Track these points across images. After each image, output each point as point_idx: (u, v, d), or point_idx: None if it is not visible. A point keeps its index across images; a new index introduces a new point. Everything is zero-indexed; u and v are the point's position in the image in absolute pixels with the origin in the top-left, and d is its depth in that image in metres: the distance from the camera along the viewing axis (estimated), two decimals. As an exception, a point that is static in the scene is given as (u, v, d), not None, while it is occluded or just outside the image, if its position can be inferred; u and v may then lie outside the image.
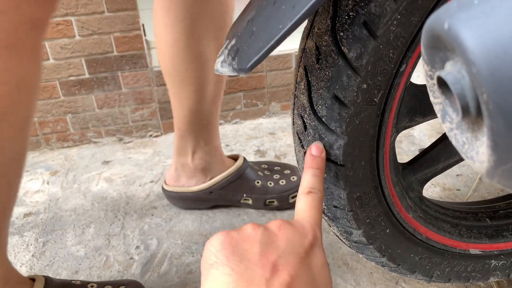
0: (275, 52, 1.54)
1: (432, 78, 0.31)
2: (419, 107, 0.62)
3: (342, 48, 0.48)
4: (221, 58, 0.50)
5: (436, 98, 0.32)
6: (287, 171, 1.18)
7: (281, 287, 0.36)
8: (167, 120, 1.53)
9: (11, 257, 1.05)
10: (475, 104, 0.26)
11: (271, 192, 1.12)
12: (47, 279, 0.80)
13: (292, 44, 1.53)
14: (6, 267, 0.73)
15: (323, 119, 0.53)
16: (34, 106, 0.62)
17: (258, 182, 1.13)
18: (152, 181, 1.30)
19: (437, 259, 0.72)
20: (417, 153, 1.38)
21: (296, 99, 0.57)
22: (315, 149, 0.52)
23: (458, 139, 0.31)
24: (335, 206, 0.60)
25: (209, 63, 0.95)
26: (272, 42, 0.42)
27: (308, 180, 0.48)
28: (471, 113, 0.27)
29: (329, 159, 0.54)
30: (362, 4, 0.46)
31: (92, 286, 0.85)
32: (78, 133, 1.49)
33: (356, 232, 0.63)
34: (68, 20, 1.30)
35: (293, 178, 1.16)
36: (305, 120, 0.55)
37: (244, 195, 1.13)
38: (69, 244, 1.08)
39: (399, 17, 0.46)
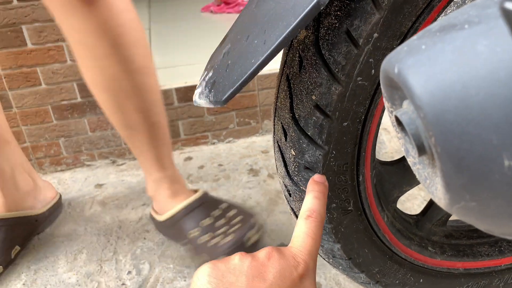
0: (266, 71, 1.55)
1: (391, 115, 0.32)
2: (400, 180, 0.67)
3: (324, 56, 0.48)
4: (199, 90, 0.51)
5: (398, 134, 0.33)
6: (237, 219, 1.06)
7: None
8: (160, 141, 1.54)
9: (2, 287, 1.04)
10: (429, 144, 0.27)
11: (200, 251, 1.02)
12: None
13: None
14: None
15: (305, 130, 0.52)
16: None
17: (190, 234, 1.03)
18: (144, 204, 1.30)
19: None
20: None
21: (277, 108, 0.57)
22: (318, 176, 0.52)
23: (421, 173, 0.32)
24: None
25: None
26: (245, 77, 0.43)
27: (309, 202, 0.46)
28: (427, 152, 0.28)
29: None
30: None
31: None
32: (71, 156, 1.50)
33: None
34: (60, 45, 1.32)
35: (235, 230, 1.02)
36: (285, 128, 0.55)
37: (183, 240, 1.05)
38: (60, 271, 1.07)
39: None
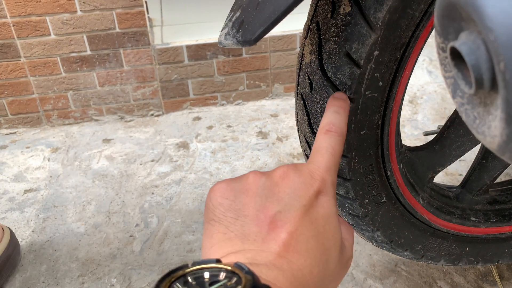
0: (279, 33, 1.51)
1: (444, 51, 0.30)
2: (433, 162, 0.69)
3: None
4: (225, 31, 0.49)
5: (447, 72, 0.31)
6: None
7: (277, 245, 0.32)
8: (169, 99, 1.52)
9: (11, 232, 1.05)
10: (489, 76, 0.25)
11: None
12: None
13: (296, 25, 1.50)
14: None
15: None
16: None
17: None
18: (153, 160, 1.29)
19: None
20: (422, 137, 1.37)
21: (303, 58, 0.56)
22: (338, 93, 0.48)
23: (469, 114, 0.30)
24: None
25: None
26: (278, 13, 0.41)
27: (328, 117, 0.42)
28: (485, 86, 0.26)
29: None
30: None
31: None
32: (79, 110, 1.48)
33: None
34: (70, -6, 1.28)
35: None
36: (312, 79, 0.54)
37: None
38: (69, 220, 1.08)
39: None
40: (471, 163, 0.77)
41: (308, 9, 0.54)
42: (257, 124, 1.47)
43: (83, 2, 1.29)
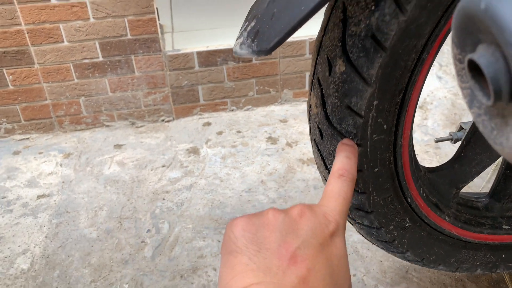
0: (289, 39, 1.52)
1: (461, 62, 0.30)
2: (454, 179, 0.71)
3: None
4: (240, 40, 0.49)
5: (464, 83, 0.31)
6: None
7: (297, 279, 0.35)
8: (180, 105, 1.53)
9: (25, 238, 1.06)
10: (508, 89, 0.25)
11: None
12: None
13: (306, 31, 1.51)
14: None
15: None
16: None
17: None
18: (164, 166, 1.30)
19: None
20: (432, 143, 1.36)
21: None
22: (346, 140, 0.51)
23: (486, 125, 0.30)
24: None
25: None
26: (294, 23, 0.41)
27: (341, 161, 0.45)
28: (503, 98, 0.26)
29: None
30: None
31: None
32: (91, 116, 1.50)
33: None
34: (83, 2, 1.30)
35: None
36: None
37: None
38: (81, 226, 1.09)
39: None
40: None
41: (310, 64, 0.58)
42: (267, 129, 1.48)
43: (96, 9, 1.31)
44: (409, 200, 0.64)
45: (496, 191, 0.76)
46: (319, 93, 0.54)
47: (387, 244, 0.69)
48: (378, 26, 0.47)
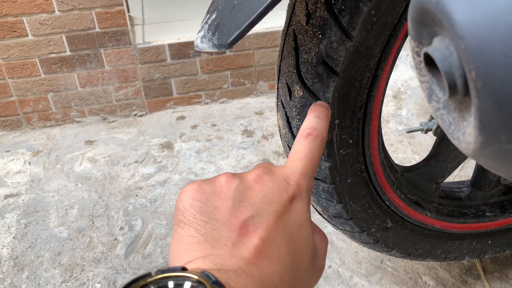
0: (262, 30, 1.50)
1: (419, 55, 0.29)
2: (433, 176, 0.72)
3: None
4: (201, 34, 0.48)
5: (422, 76, 0.30)
6: None
7: (248, 250, 0.31)
8: (152, 99, 1.50)
9: (-8, 239, 1.03)
10: (462, 83, 0.25)
11: None
12: None
13: (280, 22, 1.49)
14: None
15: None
16: None
17: None
18: (136, 161, 1.28)
19: None
20: (405, 133, 1.37)
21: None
22: (319, 102, 0.47)
23: (445, 119, 0.30)
24: None
25: None
26: (253, 17, 0.40)
27: (310, 120, 0.41)
28: (459, 92, 0.26)
29: None
30: None
31: None
32: (60, 112, 1.45)
33: None
34: (47, -6, 1.25)
35: None
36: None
37: None
38: (51, 225, 1.06)
39: None
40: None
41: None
42: (242, 122, 1.46)
43: (61, 2, 1.27)
44: (387, 203, 0.66)
45: (477, 180, 0.77)
46: (284, 115, 0.57)
47: (372, 245, 0.70)
48: (327, 53, 0.48)
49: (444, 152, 0.72)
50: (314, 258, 0.36)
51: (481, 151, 0.25)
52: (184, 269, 0.27)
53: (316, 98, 0.51)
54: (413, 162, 1.23)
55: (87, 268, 0.95)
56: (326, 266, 0.93)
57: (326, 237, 0.38)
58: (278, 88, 0.57)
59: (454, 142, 0.29)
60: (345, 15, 0.46)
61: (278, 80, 0.56)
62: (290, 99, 0.54)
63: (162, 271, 0.27)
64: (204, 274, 0.26)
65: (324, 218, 0.68)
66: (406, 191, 0.69)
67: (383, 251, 0.72)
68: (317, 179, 0.60)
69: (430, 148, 1.29)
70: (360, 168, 0.60)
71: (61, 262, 0.97)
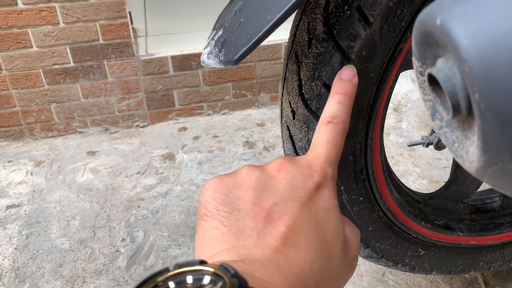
0: (264, 42, 1.52)
1: (422, 75, 0.30)
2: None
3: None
4: (208, 50, 0.49)
5: (426, 95, 0.31)
6: None
7: (274, 239, 0.30)
8: (154, 110, 1.51)
9: (-7, 250, 1.03)
10: (466, 103, 0.26)
11: None
12: None
13: (282, 35, 1.51)
14: None
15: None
16: None
17: None
18: (138, 172, 1.28)
19: None
20: (406, 146, 1.38)
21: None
22: (346, 72, 0.42)
23: (448, 137, 0.30)
24: None
25: None
26: (260, 34, 0.41)
27: (331, 107, 0.39)
28: (462, 112, 0.26)
29: None
30: None
31: None
32: (63, 122, 1.46)
33: None
34: (52, 6, 1.27)
35: None
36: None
37: None
38: (53, 236, 1.06)
39: None
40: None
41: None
42: (244, 133, 1.47)
43: (66, 14, 1.28)
44: (414, 235, 0.68)
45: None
46: (288, 134, 0.60)
47: (410, 271, 0.74)
48: (328, 76, 0.51)
49: (462, 177, 0.74)
50: (345, 247, 0.34)
51: (484, 170, 0.26)
52: (203, 262, 0.26)
53: (316, 117, 0.54)
54: (414, 175, 1.23)
55: (88, 280, 0.95)
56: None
57: (358, 229, 0.37)
58: (281, 110, 0.60)
59: (458, 160, 0.30)
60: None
61: (282, 103, 0.59)
62: (294, 118, 0.57)
63: (180, 266, 0.26)
64: (223, 267, 0.25)
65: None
66: (432, 218, 0.71)
67: (422, 274, 0.75)
68: None
69: (430, 161, 1.29)
70: (378, 215, 0.63)
71: (62, 273, 0.97)
